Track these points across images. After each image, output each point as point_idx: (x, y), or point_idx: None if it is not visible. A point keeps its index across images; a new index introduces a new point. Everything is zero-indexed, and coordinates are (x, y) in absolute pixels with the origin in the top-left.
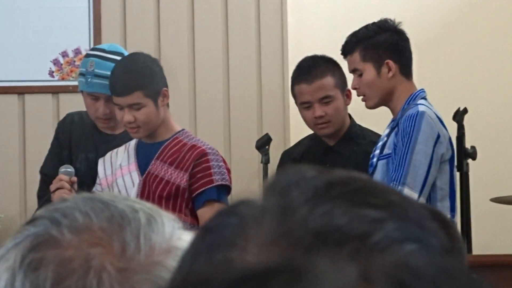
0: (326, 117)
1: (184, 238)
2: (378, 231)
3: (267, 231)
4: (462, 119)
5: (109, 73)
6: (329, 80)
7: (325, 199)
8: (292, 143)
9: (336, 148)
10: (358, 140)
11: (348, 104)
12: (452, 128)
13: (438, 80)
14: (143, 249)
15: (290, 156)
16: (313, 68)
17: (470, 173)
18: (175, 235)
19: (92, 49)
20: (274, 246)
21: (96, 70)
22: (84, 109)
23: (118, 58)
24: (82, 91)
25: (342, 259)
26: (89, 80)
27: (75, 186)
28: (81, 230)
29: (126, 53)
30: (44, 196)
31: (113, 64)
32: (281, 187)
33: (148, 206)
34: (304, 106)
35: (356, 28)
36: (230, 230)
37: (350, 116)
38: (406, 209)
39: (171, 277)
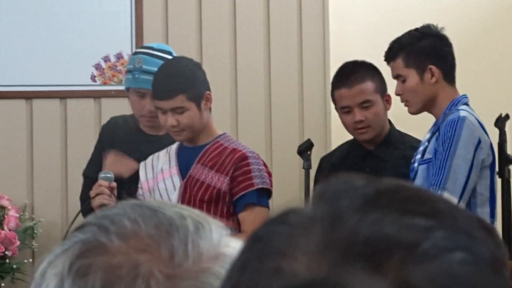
0: (366, 122)
1: (232, 245)
2: (427, 240)
3: (317, 240)
4: (504, 125)
5: (156, 69)
6: (369, 85)
7: (374, 208)
8: (333, 149)
9: (375, 153)
10: (398, 145)
11: (388, 109)
12: (493, 134)
13: (480, 86)
14: (191, 255)
15: (329, 162)
16: (353, 73)
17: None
18: (223, 242)
19: (140, 47)
20: (324, 256)
21: (144, 67)
22: (127, 113)
23: (166, 56)
24: (128, 89)
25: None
26: (136, 76)
27: (115, 191)
28: (129, 236)
29: (174, 53)
30: (86, 199)
31: (161, 61)
32: (330, 195)
33: (196, 213)
34: (344, 110)
35: (396, 33)
36: (279, 239)
37: (389, 121)
38: (455, 218)
39: (221, 285)
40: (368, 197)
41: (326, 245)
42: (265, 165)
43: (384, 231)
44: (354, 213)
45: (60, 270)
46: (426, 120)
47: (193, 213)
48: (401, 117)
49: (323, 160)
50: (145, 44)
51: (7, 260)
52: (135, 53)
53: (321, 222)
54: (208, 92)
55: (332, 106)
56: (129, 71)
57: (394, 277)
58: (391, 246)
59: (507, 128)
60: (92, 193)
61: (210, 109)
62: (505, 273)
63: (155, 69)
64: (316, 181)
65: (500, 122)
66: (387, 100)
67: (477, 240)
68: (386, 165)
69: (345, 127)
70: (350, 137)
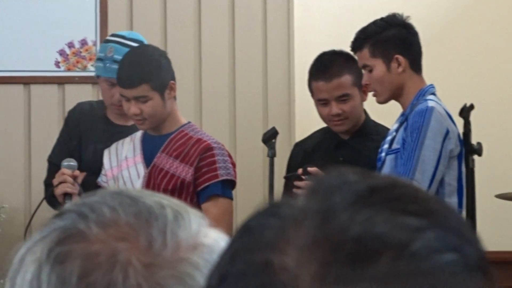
0: (343, 115)
1: (211, 235)
2: (418, 240)
3: (307, 234)
4: (469, 115)
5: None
6: (347, 78)
7: (367, 206)
8: (297, 137)
9: (349, 143)
10: (372, 136)
11: (364, 100)
12: (458, 124)
13: (445, 76)
14: (170, 245)
15: (302, 148)
16: (331, 65)
17: (475, 169)
18: (202, 232)
19: (112, 35)
20: (314, 251)
21: (115, 56)
22: (91, 99)
23: (138, 45)
24: (98, 77)
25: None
26: (107, 65)
27: (78, 179)
28: (108, 224)
29: (145, 41)
30: (51, 185)
31: None
32: (323, 190)
33: (175, 202)
34: (321, 102)
35: (362, 23)
36: (270, 231)
37: (365, 111)
38: (446, 217)
39: (209, 274)
40: (361, 193)
41: (317, 240)
42: (229, 155)
43: (375, 230)
44: (346, 209)
45: (38, 257)
46: (398, 109)
47: (172, 203)
48: (375, 106)
49: (296, 147)
50: (117, 32)
51: None
52: (107, 41)
53: (313, 216)
54: (172, 81)
55: (297, 94)
56: (99, 59)
57: (382, 276)
58: (381, 245)
59: (471, 118)
60: (55, 181)
61: (174, 97)
62: (492, 274)
63: None
64: (288, 168)
65: (464, 112)
66: (364, 91)
67: (467, 241)
68: (360, 156)
69: (321, 118)
70: (314, 125)
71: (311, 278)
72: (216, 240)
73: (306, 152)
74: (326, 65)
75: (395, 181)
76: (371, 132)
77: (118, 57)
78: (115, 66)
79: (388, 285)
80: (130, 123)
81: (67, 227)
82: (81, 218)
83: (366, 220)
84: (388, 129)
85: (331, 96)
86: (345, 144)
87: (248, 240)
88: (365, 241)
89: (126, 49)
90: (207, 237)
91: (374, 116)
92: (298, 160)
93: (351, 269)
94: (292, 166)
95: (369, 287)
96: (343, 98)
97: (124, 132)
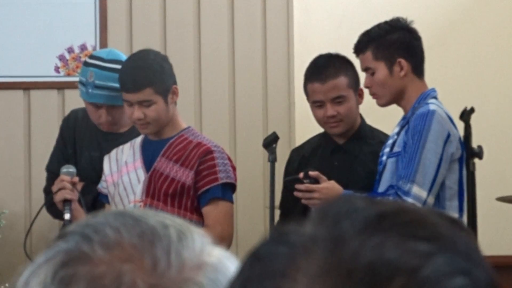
0: (338, 117)
1: (215, 253)
2: (428, 265)
3: (318, 262)
4: (469, 119)
5: (109, 84)
6: (342, 80)
7: (376, 232)
8: (297, 141)
9: (344, 147)
10: (368, 140)
11: (360, 103)
12: (459, 128)
13: (445, 79)
14: (174, 265)
15: (299, 154)
16: (327, 67)
17: (476, 172)
18: (206, 251)
19: (91, 57)
20: (325, 278)
21: (97, 82)
22: None
23: (117, 66)
24: (84, 99)
25: None
26: (89, 91)
27: (77, 186)
28: (112, 246)
29: (124, 59)
30: (50, 192)
31: (113, 74)
32: (331, 217)
33: (178, 221)
34: (316, 104)
35: (362, 26)
36: (280, 259)
37: (361, 115)
38: (455, 242)
39: None
40: (370, 220)
41: (328, 268)
42: (229, 159)
43: (386, 256)
44: (355, 236)
45: (43, 280)
46: (397, 113)
47: (175, 222)
48: (372, 110)
49: (293, 153)
50: (96, 53)
51: None
52: (86, 64)
53: (322, 244)
54: (175, 86)
55: (297, 98)
56: (81, 83)
57: None
58: (392, 271)
59: (472, 121)
60: (54, 188)
61: (175, 102)
62: None
63: (108, 83)
64: (286, 173)
65: (465, 115)
66: (360, 95)
67: (476, 264)
68: (355, 160)
69: (317, 121)
70: (315, 129)
71: None
72: (220, 258)
73: (303, 157)
74: (322, 67)
75: (403, 206)
76: (367, 136)
77: (99, 82)
78: (97, 92)
79: None
80: (123, 130)
81: (71, 249)
82: (85, 240)
83: (376, 246)
84: (384, 134)
85: (326, 97)
86: (340, 149)
87: (258, 268)
88: (376, 268)
89: (106, 73)
90: (211, 256)
91: (370, 120)
92: (295, 166)
93: None
94: (289, 171)
95: None
96: (338, 100)
97: (117, 139)
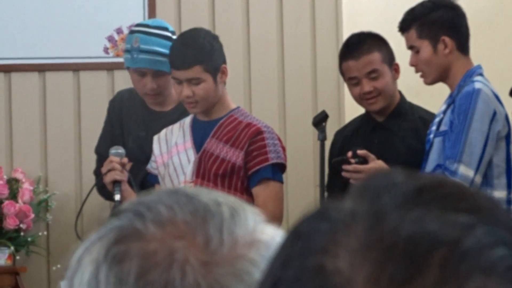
0: (375, 92)
1: (267, 231)
2: (469, 237)
3: (359, 237)
4: None
5: (154, 48)
6: (376, 55)
7: (416, 205)
8: (346, 119)
9: (384, 124)
10: (407, 117)
11: (396, 78)
12: (507, 104)
13: (494, 56)
14: (226, 242)
15: (342, 135)
16: (359, 44)
17: None
18: (258, 229)
19: (136, 25)
20: (366, 253)
21: (142, 46)
22: None
23: (163, 32)
24: (128, 68)
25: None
26: (134, 56)
27: (127, 167)
28: (165, 223)
29: (170, 28)
30: (100, 174)
31: (158, 39)
32: (370, 192)
33: (231, 199)
34: (352, 82)
35: (410, 5)
36: (321, 236)
37: (400, 92)
38: (494, 213)
39: (261, 280)
40: (409, 194)
41: (368, 243)
42: (279, 139)
43: (426, 229)
44: (395, 210)
45: (96, 257)
46: (442, 91)
47: (228, 200)
48: (415, 88)
49: (337, 135)
50: (141, 21)
51: (22, 233)
52: (132, 32)
53: (363, 219)
54: (224, 65)
55: None
56: (127, 51)
57: (435, 275)
58: (433, 243)
59: None
60: (103, 169)
61: (224, 82)
62: None
63: (153, 47)
64: (330, 155)
65: None
66: (396, 69)
67: None
68: (395, 137)
69: (354, 99)
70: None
71: (365, 280)
72: (272, 236)
73: (345, 138)
74: (354, 45)
75: (442, 180)
76: (407, 113)
77: (144, 46)
78: (142, 56)
79: (443, 284)
80: (168, 108)
81: (124, 226)
82: (138, 217)
83: (416, 219)
84: (424, 110)
85: (361, 73)
86: (380, 126)
87: (299, 245)
88: (416, 241)
89: (151, 38)
90: (264, 234)
91: (418, 100)
92: (338, 147)
93: (405, 269)
94: (333, 153)
95: (424, 286)
96: (373, 75)
97: (164, 118)
